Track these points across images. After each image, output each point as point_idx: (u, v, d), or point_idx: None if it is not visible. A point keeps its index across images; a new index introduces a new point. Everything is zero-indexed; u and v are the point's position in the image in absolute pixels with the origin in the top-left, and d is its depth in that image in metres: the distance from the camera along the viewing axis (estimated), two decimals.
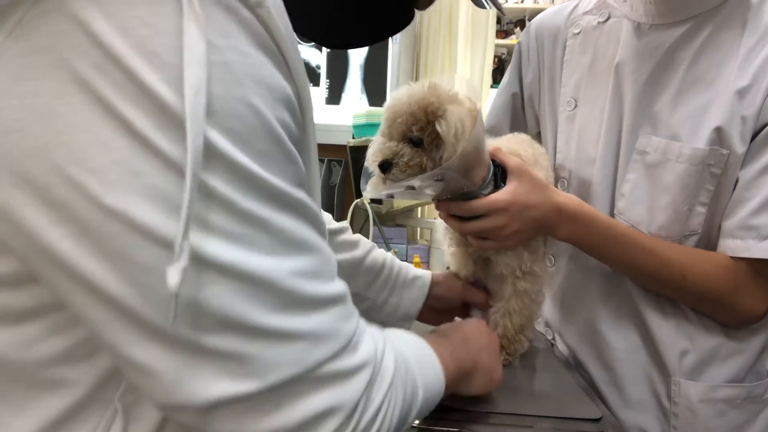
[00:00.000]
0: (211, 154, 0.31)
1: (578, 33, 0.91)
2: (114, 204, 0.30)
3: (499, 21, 3.45)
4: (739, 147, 0.73)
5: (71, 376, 0.37)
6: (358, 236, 0.83)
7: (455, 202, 0.74)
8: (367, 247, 0.83)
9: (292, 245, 0.36)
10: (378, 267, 0.82)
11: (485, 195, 0.72)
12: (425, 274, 0.86)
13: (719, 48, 0.76)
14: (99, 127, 0.30)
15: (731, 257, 0.74)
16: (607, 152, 0.84)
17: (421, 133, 0.67)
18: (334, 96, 3.06)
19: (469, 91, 0.70)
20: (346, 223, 0.83)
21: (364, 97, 3.07)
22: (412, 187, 0.68)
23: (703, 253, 0.77)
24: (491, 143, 0.74)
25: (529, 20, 1.05)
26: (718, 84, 0.75)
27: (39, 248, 0.32)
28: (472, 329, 0.67)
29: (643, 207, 0.79)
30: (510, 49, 3.46)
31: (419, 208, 2.32)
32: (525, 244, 0.78)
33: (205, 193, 0.31)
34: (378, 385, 0.41)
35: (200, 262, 0.31)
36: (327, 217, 0.79)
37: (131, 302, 0.31)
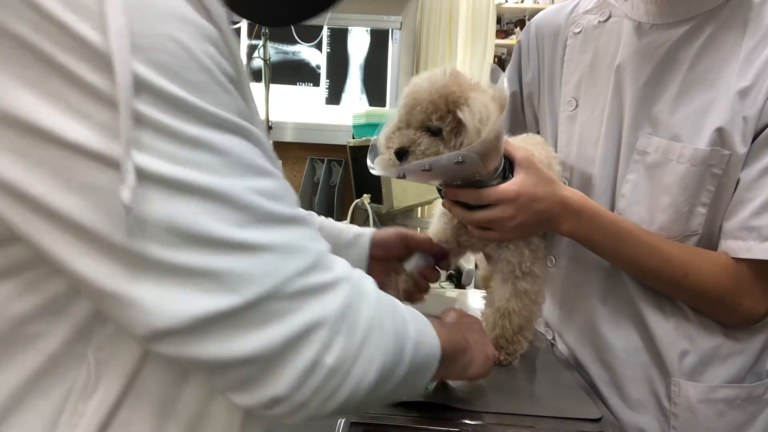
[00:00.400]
0: (141, 87, 0.34)
1: (579, 32, 0.91)
2: (75, 140, 0.33)
3: (499, 21, 3.45)
4: (741, 147, 0.73)
5: (45, 331, 0.40)
6: None
7: (464, 189, 0.73)
8: None
9: (243, 166, 0.38)
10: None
11: (494, 185, 0.72)
12: (366, 230, 0.86)
13: (720, 48, 0.75)
14: (48, 80, 0.33)
15: (732, 258, 0.74)
16: (608, 152, 0.84)
17: (441, 123, 0.67)
18: (334, 96, 3.06)
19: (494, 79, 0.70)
20: None
21: (364, 97, 3.07)
22: (428, 169, 0.67)
23: (704, 253, 0.77)
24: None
25: (529, 20, 1.04)
26: (719, 84, 0.75)
27: (17, 198, 0.34)
28: (452, 314, 0.69)
29: (643, 207, 0.79)
30: (510, 49, 3.46)
31: (419, 208, 2.32)
32: (526, 240, 0.78)
33: (139, 120, 0.34)
34: (364, 301, 0.42)
35: (150, 180, 0.34)
36: None
37: (103, 231, 0.34)
